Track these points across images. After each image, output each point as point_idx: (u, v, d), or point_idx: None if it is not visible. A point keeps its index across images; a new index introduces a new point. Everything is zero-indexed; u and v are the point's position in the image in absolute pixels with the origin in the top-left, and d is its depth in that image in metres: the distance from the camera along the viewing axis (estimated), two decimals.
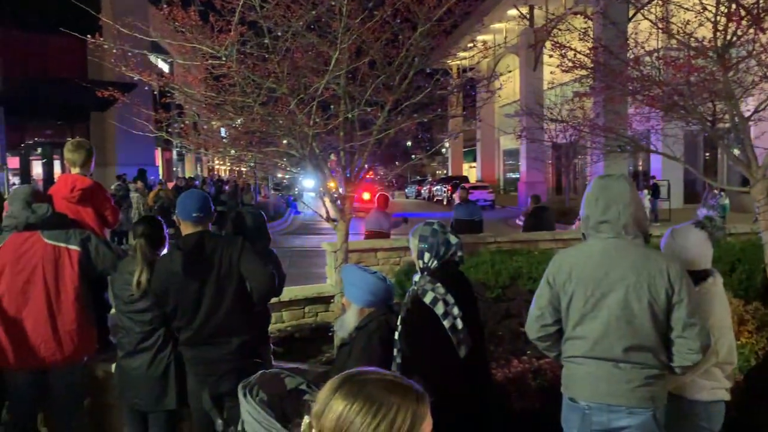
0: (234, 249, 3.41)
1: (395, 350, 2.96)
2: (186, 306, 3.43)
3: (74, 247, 3.86)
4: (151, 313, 3.66)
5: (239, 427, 2.58)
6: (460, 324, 2.96)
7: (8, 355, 3.77)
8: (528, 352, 4.91)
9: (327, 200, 5.96)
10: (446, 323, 2.95)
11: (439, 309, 2.97)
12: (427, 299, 2.99)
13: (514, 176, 44.29)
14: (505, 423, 4.08)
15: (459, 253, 3.20)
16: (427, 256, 3.16)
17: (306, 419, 1.38)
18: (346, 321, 3.14)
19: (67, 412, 3.96)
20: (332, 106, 5.86)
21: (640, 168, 29.62)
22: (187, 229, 3.52)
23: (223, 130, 7.42)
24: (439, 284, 3.02)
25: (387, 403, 1.29)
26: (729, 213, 18.05)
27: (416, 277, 3.21)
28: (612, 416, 2.81)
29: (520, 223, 11.23)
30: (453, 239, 3.19)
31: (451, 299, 2.98)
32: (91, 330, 4.02)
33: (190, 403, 3.62)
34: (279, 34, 5.18)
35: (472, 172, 52.87)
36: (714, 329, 2.98)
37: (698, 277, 3.12)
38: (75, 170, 4.47)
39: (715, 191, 18.41)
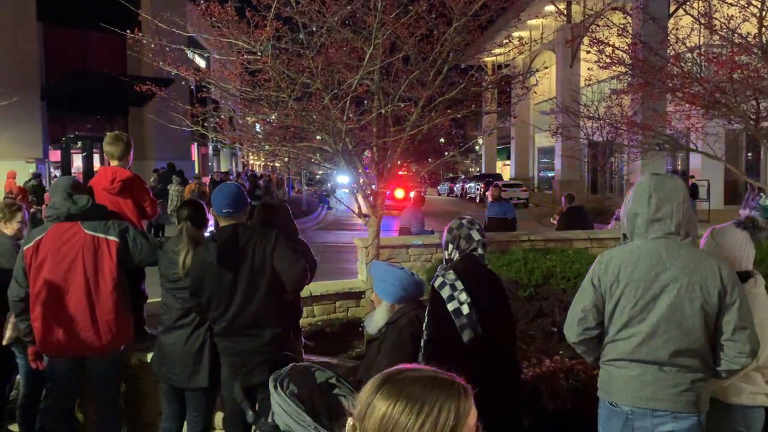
0: (267, 242, 3.45)
1: (422, 340, 3.00)
2: (220, 297, 3.48)
3: (113, 238, 3.95)
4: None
5: (270, 419, 2.60)
6: (466, 309, 2.97)
7: (49, 343, 3.88)
8: (560, 352, 4.85)
9: (359, 196, 5.97)
10: (449, 306, 2.98)
11: (445, 292, 3.01)
12: (436, 283, 3.06)
13: (548, 174, 43.77)
14: (536, 422, 4.05)
15: (480, 251, 3.21)
16: (450, 247, 3.25)
17: (350, 421, 1.37)
18: (375, 318, 3.18)
19: (103, 399, 4.06)
20: (366, 102, 5.86)
21: (679, 167, 28.99)
22: (221, 222, 3.57)
23: (257, 125, 7.49)
24: (451, 271, 3.08)
25: (429, 401, 1.28)
26: None
27: (438, 269, 3.25)
28: (656, 421, 2.74)
29: (555, 222, 11.06)
30: (476, 236, 3.22)
31: (460, 285, 3.00)
32: (129, 319, 4.11)
33: (223, 393, 3.67)
34: (314, 29, 5.20)
35: (506, 169, 52.41)
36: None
37: (739, 278, 3.04)
38: (114, 162, 4.56)
39: (757, 192, 17.92)
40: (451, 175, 58.17)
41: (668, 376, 2.73)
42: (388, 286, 3.20)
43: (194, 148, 33.43)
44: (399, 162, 6.36)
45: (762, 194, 17.88)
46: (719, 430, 3.05)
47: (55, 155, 24.03)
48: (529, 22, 32.14)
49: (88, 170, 24.14)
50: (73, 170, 24.54)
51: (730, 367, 2.75)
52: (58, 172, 23.58)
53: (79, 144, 24.93)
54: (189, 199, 4.22)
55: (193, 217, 3.80)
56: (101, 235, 3.93)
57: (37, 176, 18.34)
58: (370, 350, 3.24)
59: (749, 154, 25.83)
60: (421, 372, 1.37)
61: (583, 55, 22.46)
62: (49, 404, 4.11)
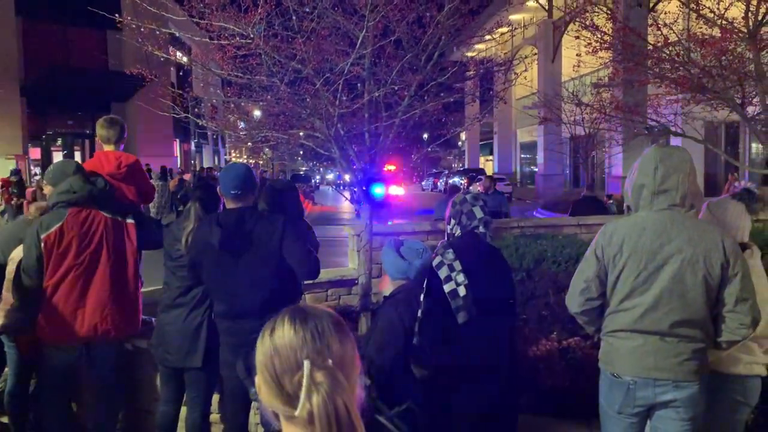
0: (275, 228, 3.40)
1: (418, 313, 3.03)
2: (220, 279, 3.45)
3: (131, 221, 3.96)
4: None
5: None
6: (462, 291, 2.98)
7: (63, 330, 3.80)
8: (554, 332, 4.88)
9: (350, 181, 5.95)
10: (446, 287, 3.00)
11: (443, 273, 3.03)
12: (435, 262, 3.07)
13: (531, 169, 44.04)
14: (534, 399, 4.08)
15: (481, 228, 3.21)
16: (452, 222, 3.28)
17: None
18: (384, 289, 3.23)
19: (103, 385, 4.01)
20: (357, 86, 5.85)
21: None
22: (229, 204, 3.53)
23: (242, 123, 7.42)
24: (450, 251, 3.08)
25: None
26: None
27: (439, 243, 3.25)
28: (658, 390, 2.77)
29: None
30: (479, 213, 3.23)
31: (458, 266, 3.01)
32: (140, 302, 4.12)
33: (222, 373, 3.65)
34: (308, 10, 5.17)
35: (488, 165, 52.64)
36: None
37: None
38: (110, 147, 4.50)
39: (737, 183, 18.15)
40: (434, 170, 58.28)
41: (670, 347, 2.76)
42: (386, 266, 3.28)
43: (176, 144, 33.16)
44: (389, 152, 6.35)
45: (740, 182, 18.13)
46: (718, 400, 3.09)
47: (35, 152, 23.74)
48: (511, 17, 32.30)
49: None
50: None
51: (730, 338, 2.79)
52: (38, 170, 23.30)
53: (60, 141, 24.70)
54: (203, 183, 4.20)
55: (203, 197, 3.81)
56: (120, 218, 3.92)
57: (16, 173, 18.08)
58: (373, 322, 3.26)
59: (728, 146, 26.17)
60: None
61: (565, 47, 22.59)
62: (47, 394, 4.02)
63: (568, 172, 34.97)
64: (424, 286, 3.07)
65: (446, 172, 50.72)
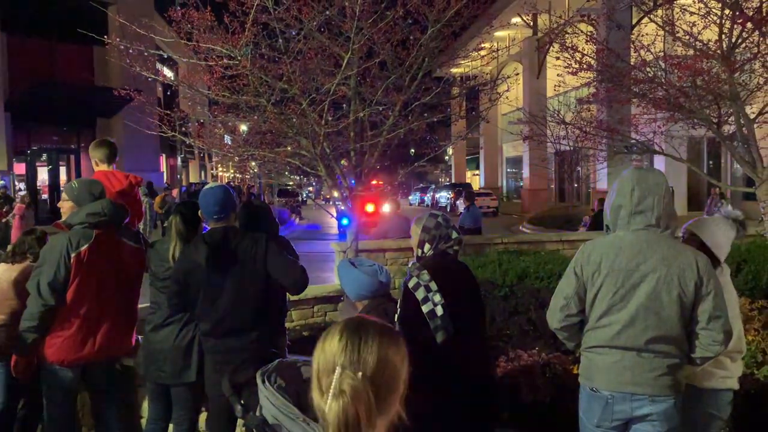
0: (259, 246, 3.46)
1: None
2: (206, 297, 3.49)
3: (137, 245, 4.02)
4: None
5: (258, 413, 2.64)
6: (440, 311, 3.04)
7: (77, 351, 3.79)
8: (536, 348, 4.97)
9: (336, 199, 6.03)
10: (424, 308, 3.05)
11: (420, 294, 3.07)
12: (411, 284, 3.12)
13: (517, 184, 44.35)
14: (515, 414, 4.15)
15: (456, 247, 3.30)
16: (426, 246, 3.29)
17: (340, 371, 1.45)
18: (342, 312, 3.28)
19: (101, 405, 4.02)
20: (343, 107, 5.95)
21: None
22: (211, 225, 3.60)
23: (227, 138, 7.48)
24: (424, 271, 3.13)
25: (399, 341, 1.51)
26: None
27: (410, 264, 3.31)
28: (635, 405, 2.85)
29: (587, 219, 11.08)
30: (454, 234, 3.30)
31: (434, 287, 3.06)
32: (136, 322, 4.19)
33: (207, 392, 3.68)
34: (294, 33, 5.27)
35: (475, 179, 52.93)
36: None
37: None
38: (105, 167, 4.57)
39: (720, 198, 18.41)
40: (421, 185, 58.49)
41: (646, 362, 2.84)
42: (347, 286, 3.33)
43: (163, 159, 33.08)
44: (375, 169, 6.44)
45: (723, 200, 18.40)
46: (692, 413, 3.18)
47: (20, 168, 23.56)
48: (496, 33, 32.71)
49: (55, 183, 23.78)
50: (38, 183, 24.11)
51: (704, 354, 2.87)
52: (22, 185, 23.13)
53: (45, 157, 24.54)
54: (187, 201, 4.26)
55: (183, 213, 3.85)
56: (130, 242, 3.99)
57: (1, 188, 17.98)
58: None
59: (710, 162, 26.55)
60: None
61: (549, 66, 22.88)
62: (52, 413, 3.93)
63: (553, 187, 35.27)
64: (398, 306, 3.13)
65: (433, 186, 50.90)
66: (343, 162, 6.41)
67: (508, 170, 47.91)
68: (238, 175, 47.00)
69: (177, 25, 5.51)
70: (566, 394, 4.11)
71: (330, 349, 1.43)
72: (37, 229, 4.61)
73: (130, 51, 5.27)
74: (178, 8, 5.54)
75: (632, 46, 6.61)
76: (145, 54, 5.42)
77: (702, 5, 5.87)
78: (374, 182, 8.75)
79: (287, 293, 3.81)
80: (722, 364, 3.20)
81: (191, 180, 40.70)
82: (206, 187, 3.80)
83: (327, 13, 5.22)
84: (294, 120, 5.30)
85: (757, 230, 6.87)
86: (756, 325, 5.36)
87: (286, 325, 6.71)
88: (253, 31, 5.11)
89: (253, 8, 4.91)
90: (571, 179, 28.21)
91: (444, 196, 40.24)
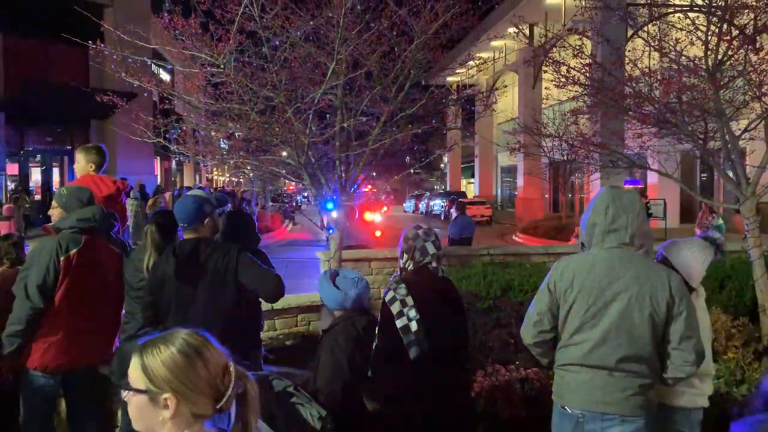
0: (230, 258, 3.44)
1: (373, 345, 3.07)
2: (177, 310, 3.47)
3: (118, 250, 4.02)
4: None
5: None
6: (414, 326, 3.03)
7: (61, 356, 3.75)
8: (516, 362, 4.96)
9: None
10: (398, 323, 3.04)
11: (395, 308, 3.07)
12: (387, 298, 3.12)
13: (511, 192, 44.40)
14: (492, 430, 4.13)
15: (434, 264, 3.27)
16: (405, 257, 3.30)
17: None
18: (321, 320, 3.30)
19: (82, 412, 3.98)
20: (329, 116, 5.94)
21: (641, 186, 29.63)
22: (184, 234, 3.58)
23: (222, 141, 7.49)
24: (402, 285, 3.12)
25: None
26: (725, 233, 18.06)
27: (392, 277, 3.31)
28: (605, 424, 2.84)
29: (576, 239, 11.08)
30: (431, 249, 3.28)
31: (410, 302, 3.06)
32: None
33: None
34: (277, 43, 5.27)
35: (470, 187, 52.99)
36: None
37: None
38: (93, 171, 4.62)
39: (711, 213, 18.43)
40: (416, 192, 58.55)
41: (617, 381, 2.83)
42: (325, 298, 3.36)
43: (157, 162, 33.00)
44: (362, 178, 6.43)
45: (714, 215, 18.42)
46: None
47: (13, 168, 23.47)
48: (492, 43, 32.83)
49: (47, 184, 23.71)
50: (31, 184, 24.03)
51: (675, 375, 2.87)
52: (13, 185, 23.05)
53: (39, 157, 24.47)
54: (163, 210, 4.25)
55: (159, 222, 3.84)
56: (117, 249, 3.99)
57: None
58: (317, 356, 3.31)
59: (703, 175, 26.62)
60: None
61: (544, 76, 22.96)
62: (29, 421, 3.87)
63: (547, 197, 35.32)
64: (378, 320, 3.13)
65: (427, 194, 50.93)
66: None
67: (503, 179, 47.99)
68: (233, 179, 47.03)
69: (168, 30, 5.51)
70: (543, 409, 4.10)
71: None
72: (14, 234, 4.59)
73: (114, 57, 5.27)
74: (166, 15, 5.53)
75: (623, 60, 6.62)
76: (129, 60, 5.41)
77: (689, 21, 5.89)
78: (365, 190, 8.74)
79: (279, 299, 3.78)
80: (691, 383, 3.20)
81: (186, 183, 40.60)
82: (182, 196, 3.78)
83: (312, 23, 5.22)
84: (278, 129, 5.30)
85: (741, 246, 6.88)
86: (737, 342, 5.37)
87: (270, 334, 6.72)
88: (239, 39, 5.10)
89: (238, 16, 4.90)
90: (564, 189, 28.24)
91: (438, 204, 40.26)
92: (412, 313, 3.04)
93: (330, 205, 5.58)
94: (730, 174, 6.08)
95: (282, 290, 3.54)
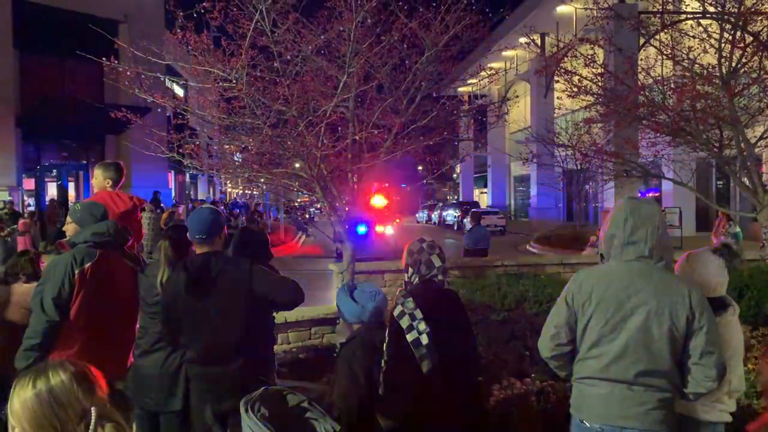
0: (241, 272, 3.43)
1: (382, 360, 3.04)
2: (189, 325, 3.47)
3: (133, 265, 4.02)
4: None
5: None
6: (425, 340, 2.99)
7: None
8: (532, 375, 4.90)
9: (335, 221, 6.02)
10: (409, 337, 3.00)
11: (404, 323, 3.03)
12: (396, 312, 3.07)
13: (525, 202, 44.24)
14: None
15: (440, 277, 3.25)
16: (410, 271, 3.25)
17: None
18: (338, 333, 3.27)
19: None
20: (340, 129, 5.96)
21: (658, 194, 29.40)
22: (196, 248, 3.58)
23: (237, 156, 7.53)
24: (410, 299, 3.08)
25: None
26: (742, 241, 17.86)
27: (398, 291, 3.28)
28: None
29: (590, 249, 10.98)
30: (437, 262, 3.24)
31: (419, 315, 3.02)
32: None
33: (193, 421, 3.64)
34: (289, 58, 5.30)
35: (483, 197, 52.87)
36: (731, 359, 3.00)
37: (716, 305, 3.08)
38: (111, 187, 4.64)
39: (728, 220, 18.24)
40: (429, 202, 58.53)
41: (636, 395, 2.78)
42: (343, 311, 3.31)
43: (171, 176, 33.25)
44: (374, 189, 6.43)
45: (731, 222, 18.25)
46: None
47: (29, 183, 23.76)
48: (504, 53, 32.88)
49: (64, 199, 23.94)
50: (47, 198, 24.31)
51: (696, 390, 2.81)
52: (32, 200, 23.31)
53: (54, 172, 24.76)
54: (176, 224, 4.24)
55: (173, 237, 3.82)
56: (132, 265, 4.00)
57: (9, 203, 18.14)
58: (335, 369, 3.29)
59: (719, 182, 26.38)
60: None
61: (556, 86, 22.92)
62: None
63: (561, 206, 35.15)
64: (386, 335, 3.10)
65: (440, 204, 50.88)
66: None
67: (516, 188, 47.85)
68: (246, 192, 47.25)
69: (181, 46, 5.57)
70: (559, 423, 4.05)
71: None
72: (30, 251, 4.64)
73: (128, 73, 5.33)
74: (179, 31, 5.59)
75: (636, 69, 6.59)
76: (142, 77, 5.47)
77: (702, 29, 5.86)
78: (376, 199, 8.75)
79: (274, 319, 3.77)
80: (721, 399, 3.14)
81: (200, 197, 40.85)
82: (196, 209, 3.79)
83: (322, 37, 5.25)
84: (290, 143, 5.32)
85: (759, 255, 6.80)
86: (756, 353, 5.28)
87: (283, 347, 6.71)
88: (251, 54, 5.14)
89: (250, 31, 4.94)
90: (579, 198, 28.10)
91: (451, 214, 40.15)
92: (422, 326, 3.01)
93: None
94: (746, 182, 6.01)
95: (302, 296, 3.52)
